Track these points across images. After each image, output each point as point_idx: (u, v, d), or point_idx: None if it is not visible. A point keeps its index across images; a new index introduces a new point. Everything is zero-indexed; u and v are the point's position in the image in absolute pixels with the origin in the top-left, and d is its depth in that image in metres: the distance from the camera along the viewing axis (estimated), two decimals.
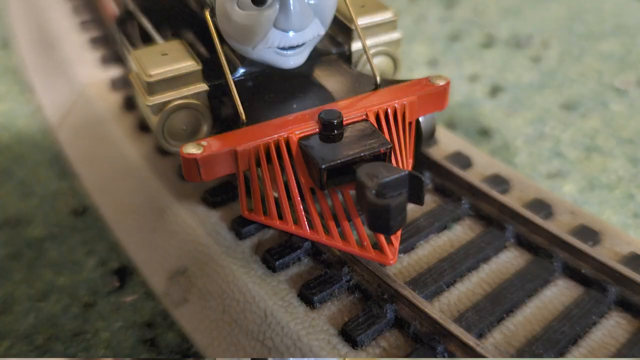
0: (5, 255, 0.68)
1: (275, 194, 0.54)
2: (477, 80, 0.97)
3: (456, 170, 0.63)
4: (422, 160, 0.65)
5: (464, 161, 0.67)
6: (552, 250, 0.55)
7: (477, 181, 0.62)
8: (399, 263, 0.55)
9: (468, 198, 0.61)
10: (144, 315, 0.61)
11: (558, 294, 0.53)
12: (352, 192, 0.52)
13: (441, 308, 0.51)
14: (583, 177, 0.77)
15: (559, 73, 0.98)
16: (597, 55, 1.03)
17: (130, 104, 0.78)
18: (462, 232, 0.59)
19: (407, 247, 0.57)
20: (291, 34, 0.54)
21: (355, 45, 0.64)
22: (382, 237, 0.51)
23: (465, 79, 0.97)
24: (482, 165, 0.68)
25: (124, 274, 0.65)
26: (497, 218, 0.59)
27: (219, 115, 0.60)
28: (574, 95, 0.93)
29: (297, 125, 0.53)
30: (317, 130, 0.53)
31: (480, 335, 0.49)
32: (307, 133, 0.53)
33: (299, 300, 0.52)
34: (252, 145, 0.52)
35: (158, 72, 0.56)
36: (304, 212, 0.54)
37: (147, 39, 0.66)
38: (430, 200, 0.62)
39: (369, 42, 0.63)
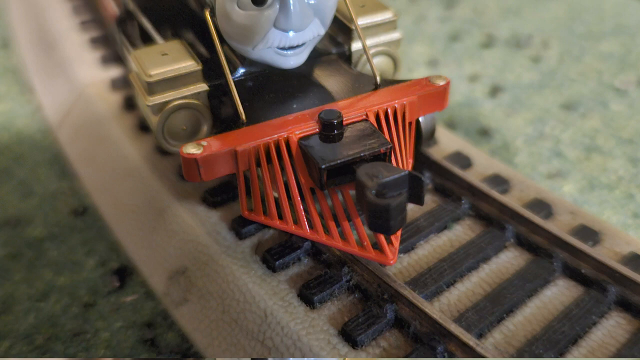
0: (5, 255, 0.68)
1: (275, 194, 0.54)
2: (477, 80, 0.97)
3: (456, 170, 0.63)
4: (422, 160, 0.65)
5: (463, 161, 0.67)
6: (552, 250, 0.55)
7: (477, 181, 0.62)
8: (399, 263, 0.55)
9: (468, 198, 0.61)
10: (144, 315, 0.61)
11: (558, 294, 0.53)
12: (352, 192, 0.52)
13: (441, 308, 0.51)
14: (583, 177, 0.77)
15: (559, 73, 0.98)
16: (597, 55, 1.03)
17: (130, 104, 0.78)
18: (462, 232, 0.59)
19: (407, 247, 0.57)
20: (291, 34, 0.54)
21: (355, 45, 0.64)
22: (382, 237, 0.51)
23: (465, 79, 0.97)
24: (482, 165, 0.68)
25: (124, 274, 0.65)
26: (497, 218, 0.59)
27: (219, 115, 0.60)
28: (574, 95, 0.93)
29: (297, 125, 0.53)
30: (317, 130, 0.53)
31: (480, 335, 0.49)
32: (307, 133, 0.53)
33: (299, 300, 0.52)
34: (252, 145, 0.52)
35: (158, 72, 0.56)
36: (304, 212, 0.54)
37: (147, 39, 0.66)
38: (430, 200, 0.62)
39: (369, 42, 0.63)
